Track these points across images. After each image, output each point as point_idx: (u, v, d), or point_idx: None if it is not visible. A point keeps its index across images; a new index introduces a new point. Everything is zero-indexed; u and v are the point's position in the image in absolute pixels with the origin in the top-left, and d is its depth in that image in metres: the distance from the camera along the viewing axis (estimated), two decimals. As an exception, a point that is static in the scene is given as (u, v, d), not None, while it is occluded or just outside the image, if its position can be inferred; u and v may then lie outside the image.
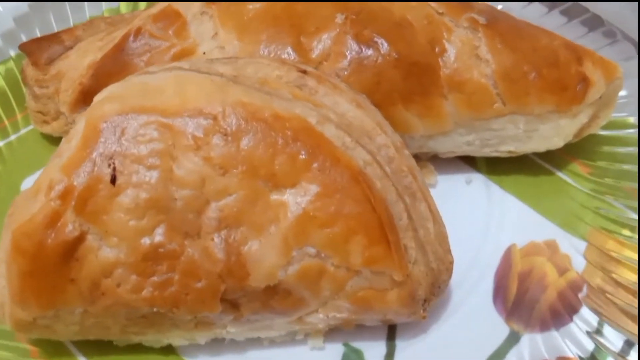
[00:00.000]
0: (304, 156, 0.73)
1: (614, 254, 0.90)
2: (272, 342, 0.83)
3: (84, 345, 0.82)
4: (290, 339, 0.83)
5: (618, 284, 0.86)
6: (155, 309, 0.73)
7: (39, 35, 1.11)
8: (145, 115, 0.73)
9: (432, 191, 0.84)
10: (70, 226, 0.71)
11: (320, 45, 0.90)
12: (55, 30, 1.10)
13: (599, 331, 0.82)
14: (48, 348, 0.82)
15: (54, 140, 1.03)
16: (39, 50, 0.99)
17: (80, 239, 0.71)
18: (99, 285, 0.72)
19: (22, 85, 1.05)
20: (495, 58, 0.91)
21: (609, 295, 0.85)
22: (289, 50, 0.89)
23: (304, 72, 0.82)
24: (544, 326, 0.84)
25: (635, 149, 1.00)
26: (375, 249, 0.73)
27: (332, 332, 0.83)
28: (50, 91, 0.98)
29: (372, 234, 0.73)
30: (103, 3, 1.22)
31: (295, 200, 0.73)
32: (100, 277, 0.72)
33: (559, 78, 0.92)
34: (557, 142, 0.96)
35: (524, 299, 0.87)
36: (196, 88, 0.76)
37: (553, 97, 0.92)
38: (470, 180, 1.00)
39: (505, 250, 0.92)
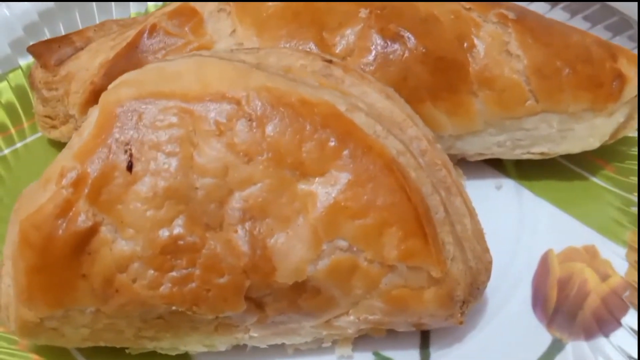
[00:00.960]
0: (333, 143, 0.69)
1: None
2: (297, 351, 0.78)
3: (93, 355, 0.76)
4: (316, 347, 0.77)
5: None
6: (173, 308, 0.67)
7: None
8: (165, 100, 0.69)
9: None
10: (82, 216, 0.66)
11: (343, 40, 0.86)
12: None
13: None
14: (53, 358, 0.76)
15: (61, 147, 0.97)
16: (49, 51, 0.95)
17: (93, 231, 0.66)
18: (112, 282, 0.67)
19: (29, 92, 1.01)
20: (526, 53, 0.87)
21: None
22: (311, 45, 0.86)
23: (330, 61, 0.78)
24: (588, 333, 0.80)
25: None
26: (411, 242, 0.68)
27: (361, 340, 0.78)
28: (59, 93, 0.94)
29: (407, 226, 0.68)
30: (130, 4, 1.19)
31: (324, 189, 0.68)
32: (114, 272, 0.66)
33: (594, 74, 0.88)
34: (592, 143, 0.91)
35: (565, 306, 0.83)
36: (218, 73, 0.71)
37: (588, 94, 0.88)
38: (501, 186, 0.96)
39: (542, 255, 0.88)
